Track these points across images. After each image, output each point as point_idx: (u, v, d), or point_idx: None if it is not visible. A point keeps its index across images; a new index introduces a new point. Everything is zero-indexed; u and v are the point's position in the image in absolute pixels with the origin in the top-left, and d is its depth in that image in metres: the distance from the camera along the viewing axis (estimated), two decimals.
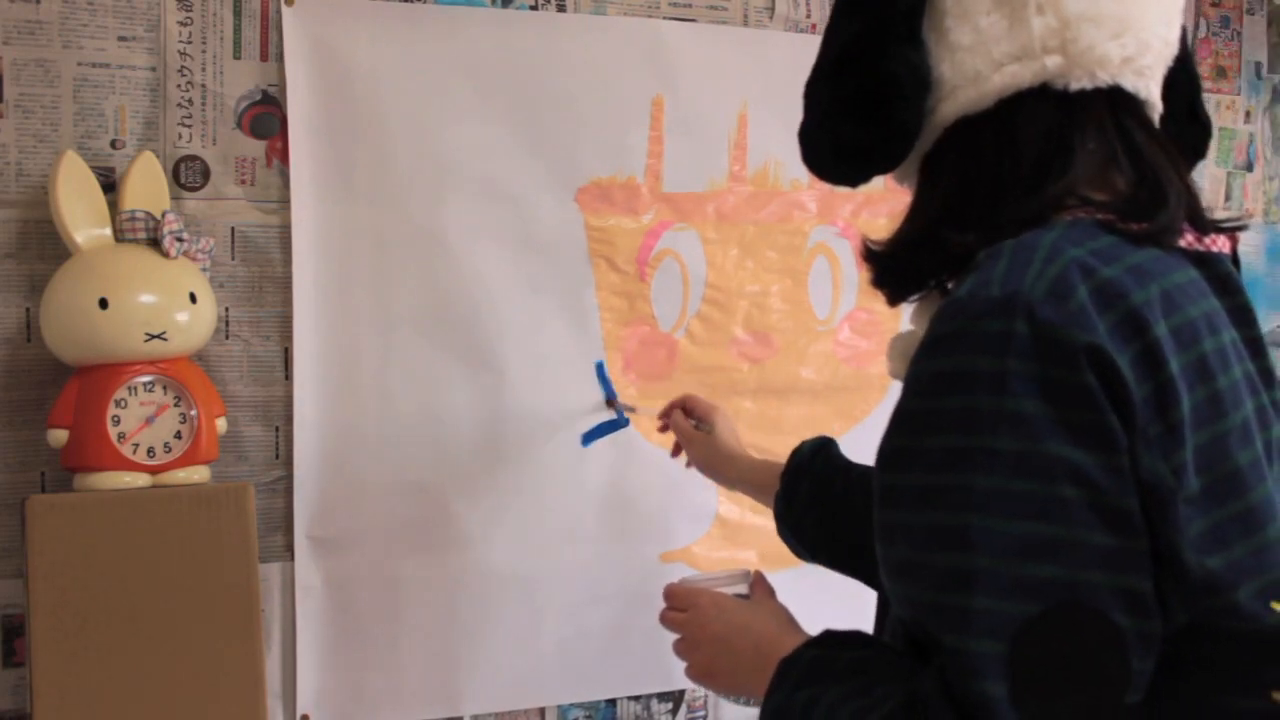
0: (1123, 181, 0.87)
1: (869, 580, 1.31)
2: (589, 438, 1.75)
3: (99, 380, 1.42)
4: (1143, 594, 0.76)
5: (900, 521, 0.81)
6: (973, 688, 0.74)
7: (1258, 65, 2.19)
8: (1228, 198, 2.18)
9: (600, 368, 1.75)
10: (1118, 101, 0.88)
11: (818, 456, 1.37)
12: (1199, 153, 1.02)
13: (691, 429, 1.57)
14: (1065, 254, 0.79)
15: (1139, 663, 0.76)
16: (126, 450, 1.42)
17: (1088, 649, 0.75)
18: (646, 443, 1.78)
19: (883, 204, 1.85)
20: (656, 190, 1.77)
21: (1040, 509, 0.75)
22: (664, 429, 1.63)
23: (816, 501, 1.34)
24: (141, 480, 1.42)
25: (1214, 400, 0.79)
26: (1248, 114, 2.19)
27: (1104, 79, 0.87)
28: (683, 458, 1.61)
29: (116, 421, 1.42)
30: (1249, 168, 2.20)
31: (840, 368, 1.89)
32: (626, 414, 1.74)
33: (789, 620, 1.08)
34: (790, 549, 1.39)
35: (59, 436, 1.42)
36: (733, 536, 1.84)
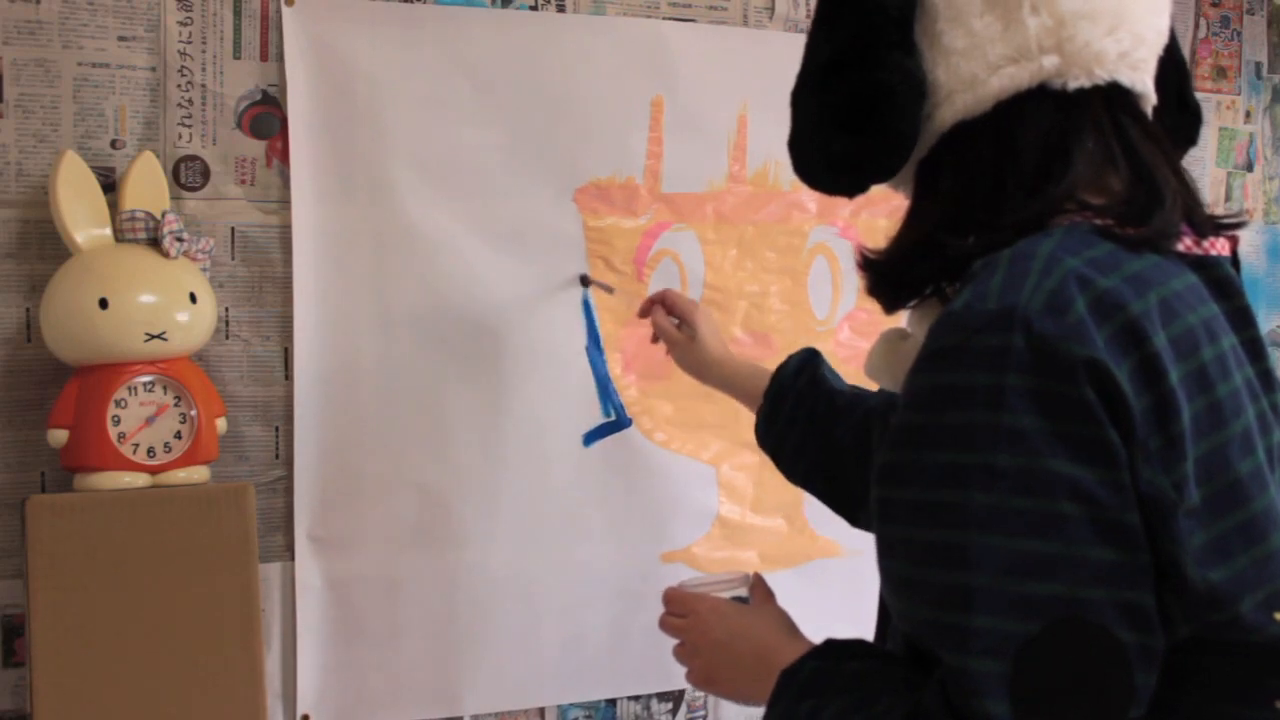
0: (1119, 182, 0.86)
1: (842, 509, 1.33)
2: (590, 438, 1.75)
3: (99, 380, 1.42)
4: (1145, 609, 0.75)
5: (899, 537, 0.81)
6: (974, 707, 0.74)
7: (1258, 65, 2.19)
8: (1228, 198, 2.18)
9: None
10: (1114, 98, 0.88)
11: (803, 374, 1.36)
12: (1190, 140, 1.01)
13: (674, 329, 1.55)
14: (1062, 265, 0.78)
15: (1142, 678, 0.76)
16: (126, 450, 1.42)
17: (1090, 666, 0.75)
18: (647, 442, 1.78)
19: (883, 204, 1.85)
20: (655, 191, 1.77)
21: (1040, 526, 0.74)
22: (644, 316, 1.61)
23: (797, 424, 1.34)
24: (141, 480, 1.42)
25: (1214, 410, 0.78)
26: (1248, 114, 2.19)
27: (1101, 76, 0.86)
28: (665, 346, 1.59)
29: (116, 421, 1.41)
30: (1249, 168, 2.20)
31: (840, 368, 1.86)
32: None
33: (789, 626, 1.08)
34: (773, 462, 1.40)
35: (59, 436, 1.42)
36: (733, 537, 1.84)
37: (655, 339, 1.60)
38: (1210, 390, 0.79)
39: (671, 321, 1.56)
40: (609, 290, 1.72)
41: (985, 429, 0.75)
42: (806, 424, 1.34)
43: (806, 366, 1.37)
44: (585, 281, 1.73)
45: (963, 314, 0.79)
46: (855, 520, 1.33)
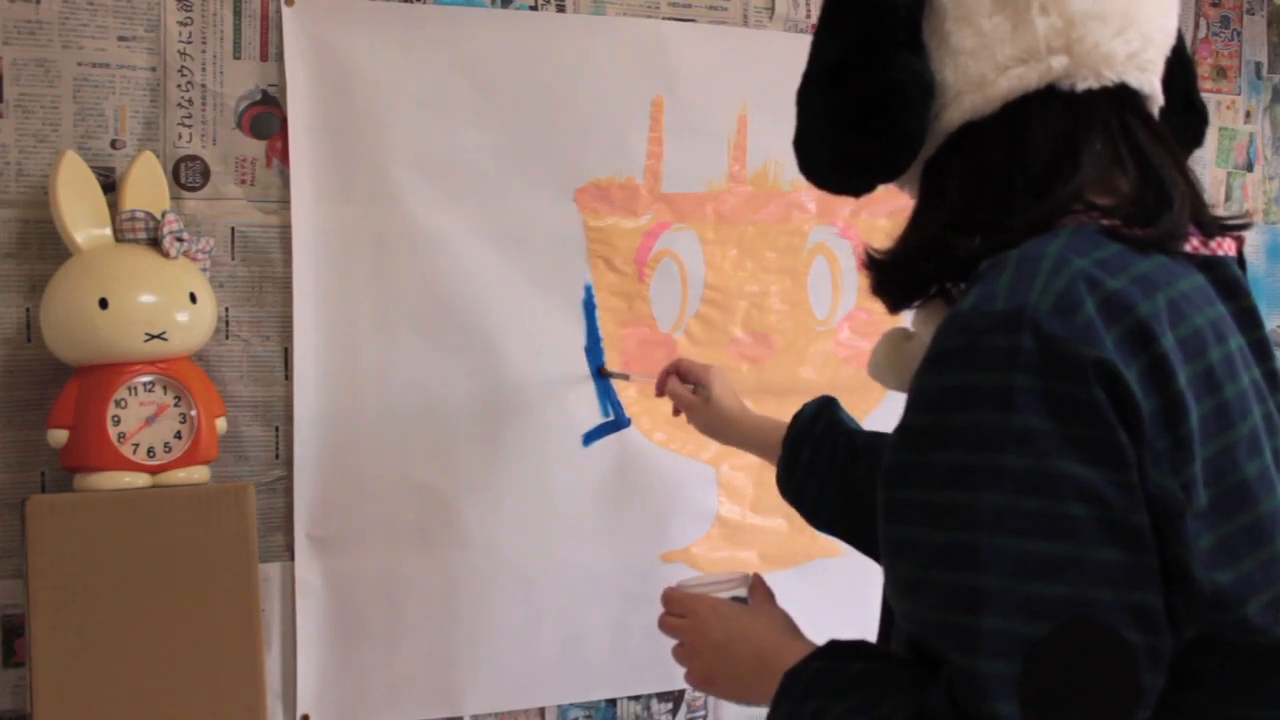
0: (1127, 184, 0.86)
1: (870, 550, 1.29)
2: (590, 438, 1.75)
3: (99, 380, 1.41)
4: (1153, 610, 0.75)
5: (906, 539, 0.81)
6: (983, 708, 0.74)
7: (1258, 65, 2.19)
8: (1228, 198, 2.18)
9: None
10: (1122, 99, 0.87)
11: (819, 420, 1.35)
12: (1196, 141, 1.01)
13: (689, 395, 1.55)
14: (1071, 265, 0.78)
15: (1150, 679, 0.76)
16: (126, 450, 1.42)
17: (1099, 667, 0.75)
18: (647, 442, 1.78)
19: (883, 204, 1.85)
20: (656, 191, 1.76)
21: (1049, 527, 0.74)
22: (661, 394, 1.61)
23: (817, 470, 1.33)
24: (141, 480, 1.42)
25: (1221, 411, 0.78)
26: (1248, 114, 2.19)
27: (1110, 77, 0.86)
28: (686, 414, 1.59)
29: (116, 421, 1.41)
30: (1249, 168, 2.20)
31: (841, 368, 1.89)
32: (616, 381, 1.74)
33: (789, 626, 1.07)
34: (796, 510, 1.39)
35: (59, 436, 1.42)
36: (733, 537, 1.84)
37: (677, 412, 1.60)
38: (1218, 391, 0.79)
39: (686, 388, 1.56)
40: (626, 379, 1.73)
41: (994, 430, 0.75)
42: (827, 467, 1.32)
43: (823, 411, 1.36)
44: (603, 374, 1.74)
45: (970, 315, 0.78)
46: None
